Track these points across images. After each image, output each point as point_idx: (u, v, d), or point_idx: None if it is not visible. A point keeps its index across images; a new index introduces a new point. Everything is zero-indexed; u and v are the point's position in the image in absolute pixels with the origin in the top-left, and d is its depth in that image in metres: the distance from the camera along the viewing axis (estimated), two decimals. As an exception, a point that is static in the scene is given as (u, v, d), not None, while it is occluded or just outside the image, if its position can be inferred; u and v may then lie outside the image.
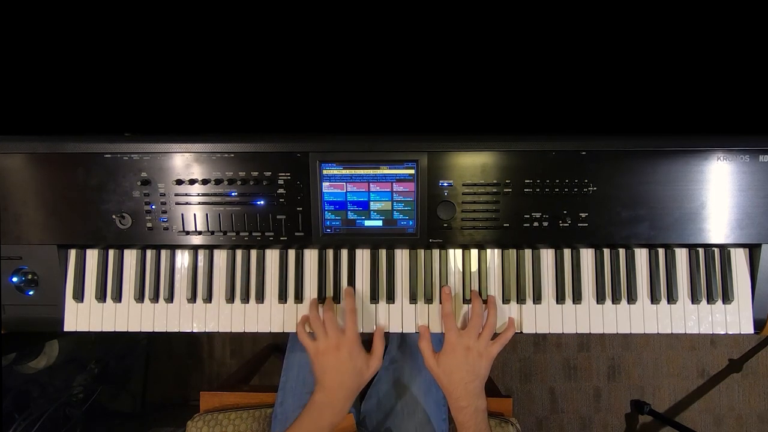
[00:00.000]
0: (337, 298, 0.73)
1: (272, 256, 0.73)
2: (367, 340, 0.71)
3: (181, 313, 0.73)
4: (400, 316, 0.73)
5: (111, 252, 0.73)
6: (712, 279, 0.70)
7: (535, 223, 0.69)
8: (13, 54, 0.73)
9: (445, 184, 0.69)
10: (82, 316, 0.73)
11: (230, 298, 0.72)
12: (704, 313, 0.71)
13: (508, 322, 0.71)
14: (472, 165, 0.68)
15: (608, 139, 0.67)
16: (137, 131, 0.70)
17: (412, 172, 0.69)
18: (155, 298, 0.73)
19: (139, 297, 0.73)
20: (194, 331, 0.73)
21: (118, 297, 0.73)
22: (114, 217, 0.69)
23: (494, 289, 0.72)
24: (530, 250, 0.73)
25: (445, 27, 0.74)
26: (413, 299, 0.73)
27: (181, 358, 1.52)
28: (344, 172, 0.69)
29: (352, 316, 0.69)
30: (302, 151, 0.68)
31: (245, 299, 0.73)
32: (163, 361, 1.52)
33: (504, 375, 1.51)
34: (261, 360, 1.30)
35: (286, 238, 0.71)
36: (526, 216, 0.69)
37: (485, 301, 0.72)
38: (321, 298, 0.73)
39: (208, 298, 0.73)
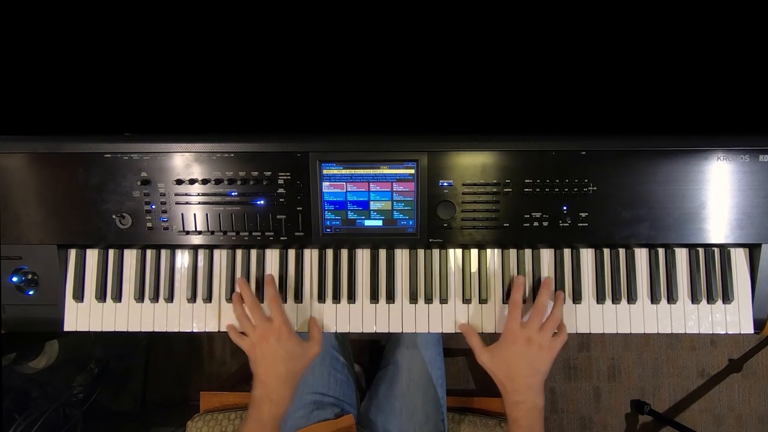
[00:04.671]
0: (337, 298, 0.73)
1: (272, 255, 0.73)
2: (368, 340, 0.70)
3: (181, 313, 0.73)
4: (400, 316, 0.73)
5: (111, 252, 0.73)
6: (712, 279, 0.70)
7: (535, 223, 0.69)
8: (13, 54, 0.73)
9: (445, 184, 0.69)
10: (82, 316, 0.73)
11: (230, 298, 0.72)
12: (704, 313, 0.71)
13: (561, 323, 0.69)
14: (472, 165, 0.68)
15: (608, 139, 0.67)
16: (137, 131, 0.70)
17: (412, 171, 0.69)
18: (155, 298, 0.73)
19: (139, 297, 0.73)
20: (194, 331, 0.73)
21: (118, 297, 0.73)
22: (114, 217, 0.69)
23: (494, 288, 0.72)
24: (530, 250, 0.73)
25: (445, 26, 0.74)
26: (413, 299, 0.72)
27: (181, 358, 1.52)
28: (344, 171, 0.69)
29: (275, 304, 0.68)
30: (302, 151, 0.68)
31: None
32: (163, 361, 1.52)
33: (504, 375, 1.50)
34: (261, 360, 1.29)
35: (286, 238, 0.71)
36: (526, 216, 0.69)
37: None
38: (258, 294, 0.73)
39: (208, 298, 0.73)
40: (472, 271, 0.73)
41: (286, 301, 0.73)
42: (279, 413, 0.65)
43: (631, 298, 0.71)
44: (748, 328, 0.70)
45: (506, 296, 0.72)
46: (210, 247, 0.73)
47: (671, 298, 0.71)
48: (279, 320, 0.67)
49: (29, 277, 0.71)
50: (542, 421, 0.64)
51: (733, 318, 0.70)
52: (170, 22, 0.73)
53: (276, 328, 0.66)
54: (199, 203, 0.70)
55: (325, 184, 0.69)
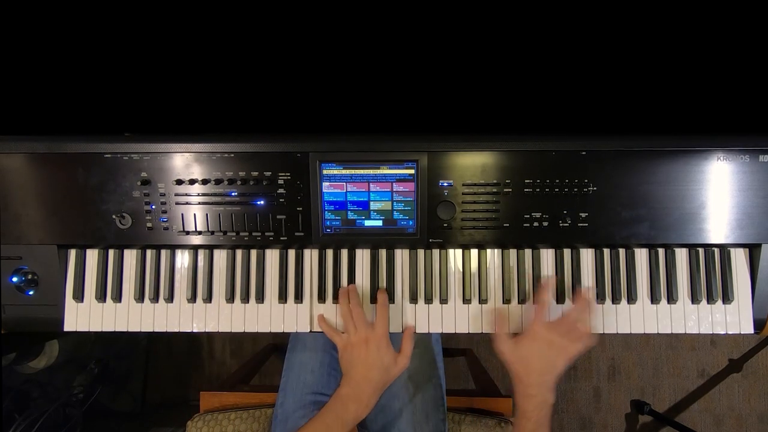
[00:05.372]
0: (337, 299, 0.73)
1: (272, 256, 0.73)
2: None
3: (181, 313, 0.73)
4: (400, 316, 0.73)
5: (111, 252, 0.73)
6: (712, 279, 0.70)
7: (535, 223, 0.69)
8: (13, 54, 0.73)
9: (445, 184, 0.69)
10: (82, 316, 0.73)
11: (230, 298, 0.72)
12: (704, 313, 0.71)
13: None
14: (472, 165, 0.68)
15: (608, 139, 0.67)
16: (137, 131, 0.70)
17: (412, 172, 0.69)
18: (155, 298, 0.73)
19: (139, 297, 0.73)
20: (194, 331, 0.73)
21: (118, 297, 0.73)
22: (114, 217, 0.69)
23: (494, 288, 0.72)
24: (530, 250, 0.73)
25: (445, 26, 0.74)
26: (413, 299, 0.73)
27: (181, 358, 1.52)
28: (344, 172, 0.69)
29: (384, 312, 0.69)
30: (302, 151, 0.68)
31: (245, 299, 0.73)
32: (163, 361, 1.52)
33: (504, 375, 1.51)
34: (261, 360, 1.30)
35: (286, 238, 0.71)
36: (526, 216, 0.69)
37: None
38: (319, 293, 0.73)
39: (208, 298, 0.73)
40: (472, 271, 0.73)
41: (286, 302, 0.73)
42: (363, 416, 0.66)
43: (631, 298, 0.71)
44: (748, 328, 0.70)
45: (505, 298, 0.72)
46: (210, 248, 0.73)
47: (671, 298, 0.71)
48: (382, 329, 0.68)
49: (29, 277, 0.71)
50: (550, 416, 0.65)
51: (733, 318, 0.70)
52: (170, 22, 0.73)
53: (378, 336, 0.68)
54: (199, 203, 0.70)
55: (325, 184, 0.69)
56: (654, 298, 0.71)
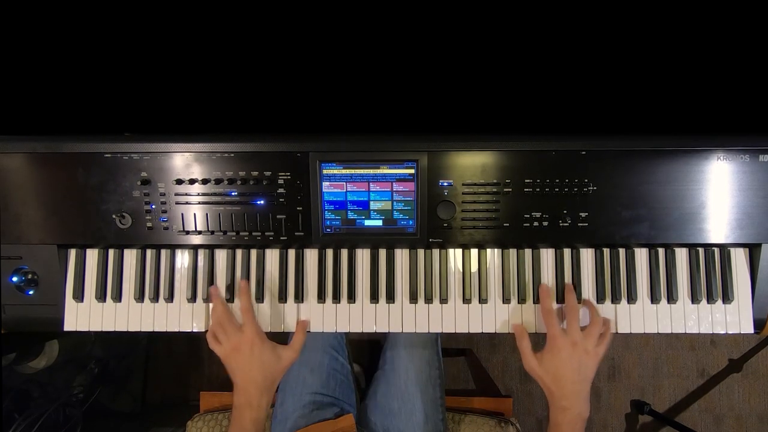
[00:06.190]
0: (337, 298, 0.73)
1: (272, 255, 0.73)
2: (368, 340, 0.70)
3: (181, 313, 0.73)
4: (400, 315, 0.73)
5: (111, 252, 0.73)
6: (712, 279, 0.70)
7: (535, 223, 0.69)
8: (13, 54, 0.73)
9: (445, 184, 0.69)
10: (82, 315, 0.73)
11: (230, 298, 0.72)
12: (704, 312, 0.71)
13: (606, 326, 0.68)
14: (472, 165, 0.68)
15: (608, 139, 0.67)
16: (137, 131, 0.71)
17: (412, 171, 0.69)
18: (155, 298, 0.73)
19: (139, 297, 0.73)
20: (194, 331, 0.73)
21: (118, 297, 0.73)
22: (114, 216, 0.69)
23: (494, 288, 0.72)
24: (530, 250, 0.73)
25: (445, 26, 0.74)
26: (413, 299, 0.73)
27: (181, 358, 1.52)
28: (344, 171, 0.69)
29: (247, 315, 0.68)
30: (302, 151, 0.68)
31: (245, 299, 0.73)
32: (163, 361, 1.52)
33: (504, 375, 1.51)
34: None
35: (286, 238, 0.71)
36: (526, 216, 0.69)
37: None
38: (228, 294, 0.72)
39: (208, 298, 0.73)
40: (472, 271, 0.73)
41: (286, 301, 0.73)
42: (260, 418, 0.66)
43: (631, 298, 0.71)
44: (748, 328, 0.70)
45: (505, 297, 0.72)
46: (210, 247, 0.73)
47: (671, 298, 0.71)
48: (251, 331, 0.67)
49: (29, 277, 0.71)
50: (583, 429, 0.64)
51: (733, 318, 0.70)
52: (170, 22, 0.73)
53: (248, 339, 0.67)
54: (199, 203, 0.70)
55: (325, 184, 0.69)
56: (654, 298, 0.71)
